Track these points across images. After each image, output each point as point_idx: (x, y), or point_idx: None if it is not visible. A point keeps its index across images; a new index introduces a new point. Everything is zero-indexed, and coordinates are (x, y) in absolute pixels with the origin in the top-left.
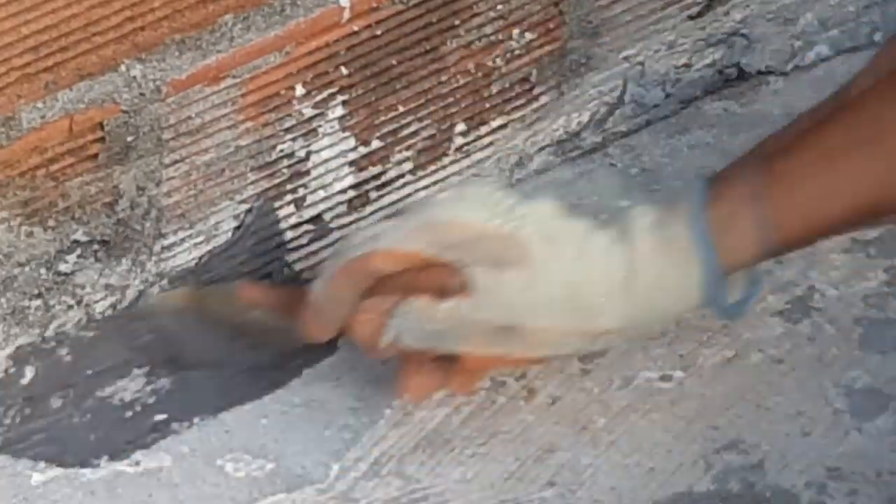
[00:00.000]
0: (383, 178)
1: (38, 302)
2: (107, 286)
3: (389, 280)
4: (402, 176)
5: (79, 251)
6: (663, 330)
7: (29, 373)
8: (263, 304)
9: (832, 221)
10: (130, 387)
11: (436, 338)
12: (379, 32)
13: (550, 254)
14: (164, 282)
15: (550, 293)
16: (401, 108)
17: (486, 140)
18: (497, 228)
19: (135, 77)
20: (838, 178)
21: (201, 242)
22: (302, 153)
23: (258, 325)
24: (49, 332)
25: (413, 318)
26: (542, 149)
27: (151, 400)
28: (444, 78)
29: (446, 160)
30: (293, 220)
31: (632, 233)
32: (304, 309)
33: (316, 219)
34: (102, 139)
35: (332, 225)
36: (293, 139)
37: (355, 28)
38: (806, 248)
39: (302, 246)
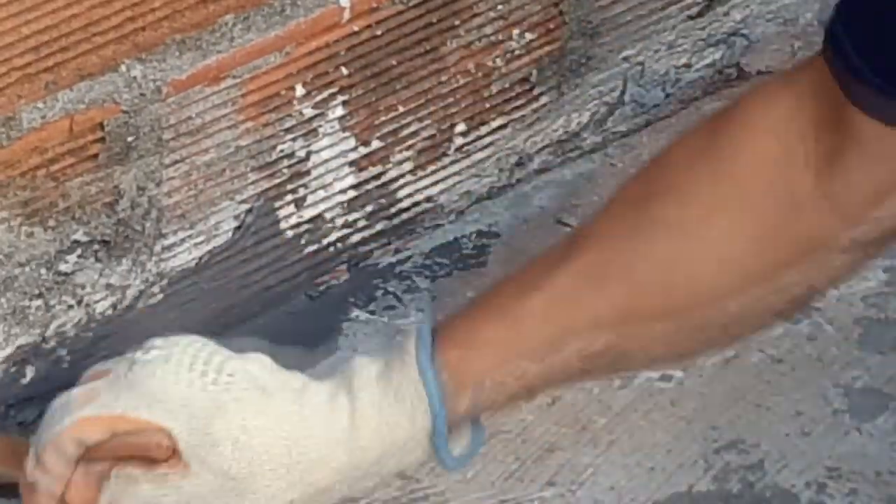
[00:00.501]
0: (383, 179)
1: (39, 302)
2: (107, 286)
3: (99, 448)
4: (402, 176)
5: (79, 251)
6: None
7: (29, 372)
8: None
9: (513, 387)
10: None
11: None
12: (379, 32)
13: (265, 410)
14: (165, 282)
15: (267, 453)
16: (401, 109)
17: (486, 140)
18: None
19: (135, 77)
20: (518, 336)
21: (202, 242)
22: (302, 153)
23: None
24: (49, 332)
25: (125, 486)
26: (542, 149)
27: None
28: (444, 78)
29: (446, 160)
30: (293, 220)
31: (355, 382)
32: (21, 489)
33: (316, 219)
34: (103, 139)
35: (333, 225)
36: (293, 139)
37: (355, 28)
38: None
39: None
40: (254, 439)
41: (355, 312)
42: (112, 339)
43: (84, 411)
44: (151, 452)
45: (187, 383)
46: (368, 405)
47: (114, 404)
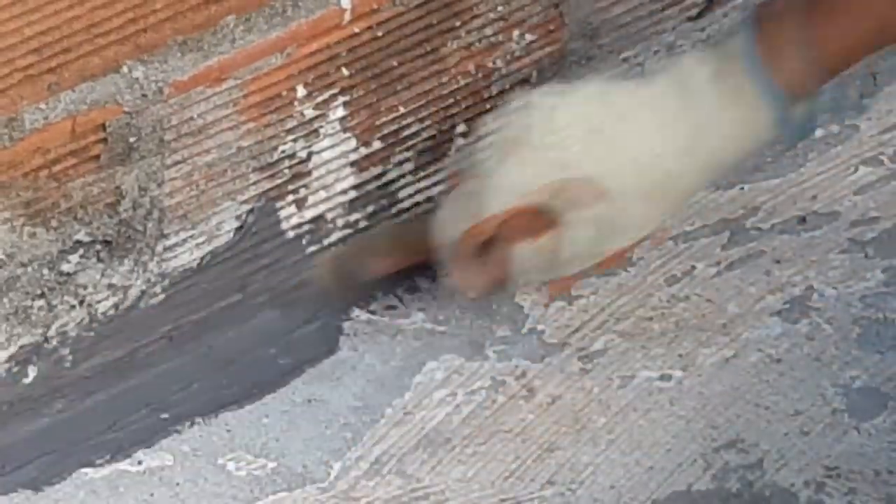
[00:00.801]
0: (384, 179)
1: (41, 302)
2: (109, 286)
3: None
4: (403, 176)
5: (81, 251)
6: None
7: (31, 372)
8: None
9: (873, 37)
10: (132, 385)
11: (554, 267)
12: (380, 34)
13: (626, 128)
14: (167, 282)
15: (634, 167)
16: (402, 109)
17: None
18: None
19: (137, 78)
20: None
21: (203, 242)
22: (303, 154)
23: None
24: (51, 332)
25: (528, 260)
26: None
27: (153, 399)
28: (444, 79)
29: (447, 161)
30: (294, 221)
31: (692, 89)
32: (448, 265)
33: (317, 219)
34: (105, 140)
35: (334, 225)
36: (294, 140)
37: (356, 29)
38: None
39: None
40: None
41: (356, 312)
42: (114, 339)
43: (505, 201)
44: (533, 228)
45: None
46: (711, 112)
47: (533, 193)
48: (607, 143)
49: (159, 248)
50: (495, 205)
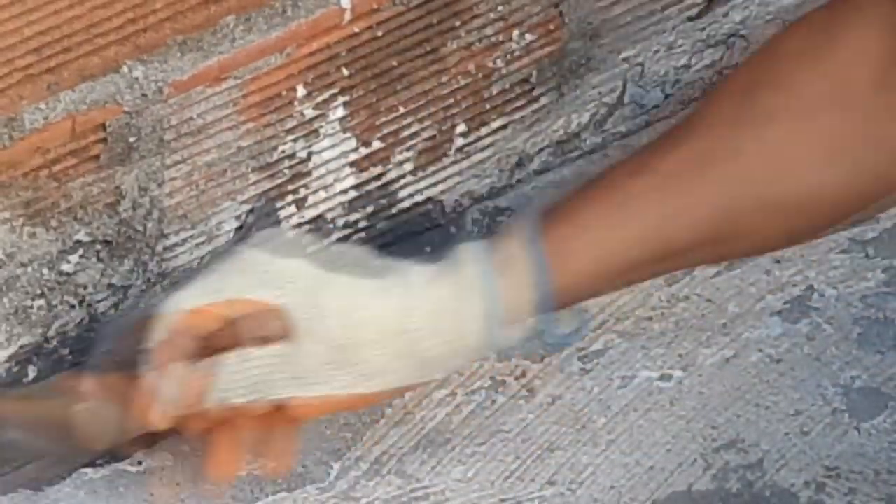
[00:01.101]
0: (384, 179)
1: (41, 302)
2: (109, 286)
3: (210, 338)
4: (402, 176)
5: (81, 251)
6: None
7: (31, 372)
8: (91, 394)
9: (618, 266)
10: None
11: (264, 387)
12: (380, 34)
13: (372, 283)
14: (167, 282)
15: (374, 322)
16: (401, 109)
17: (487, 141)
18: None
19: (137, 78)
20: (626, 215)
21: (203, 242)
22: (303, 154)
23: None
24: (51, 332)
25: (237, 368)
26: (541, 149)
27: None
28: (444, 79)
29: (447, 161)
30: (294, 221)
31: (460, 256)
32: (137, 396)
33: (317, 219)
34: (104, 140)
35: (334, 225)
36: (294, 140)
37: (356, 29)
38: (600, 296)
39: None
40: (361, 310)
41: None
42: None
43: (194, 302)
44: (266, 332)
45: (296, 263)
46: (474, 276)
47: (224, 290)
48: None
49: (159, 248)
50: (188, 302)
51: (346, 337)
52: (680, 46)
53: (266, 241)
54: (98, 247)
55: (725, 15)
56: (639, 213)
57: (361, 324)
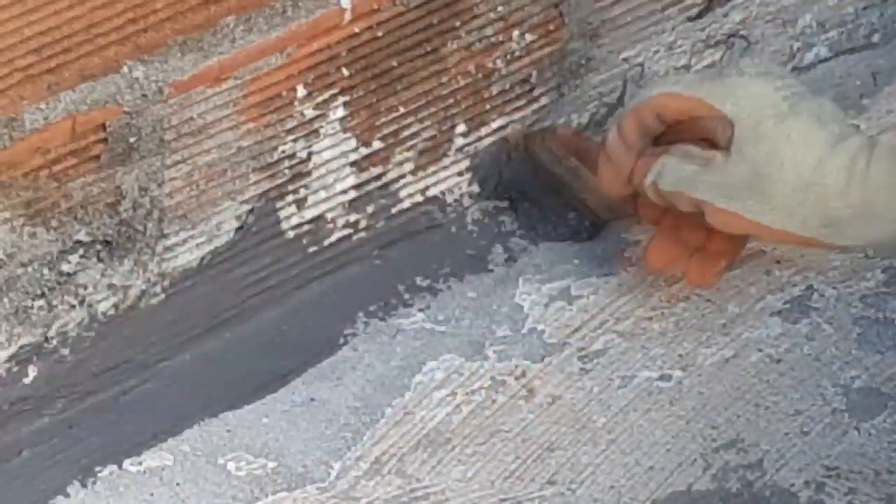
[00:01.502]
0: (384, 179)
1: (41, 302)
2: (109, 286)
3: (669, 129)
4: (402, 176)
5: (81, 251)
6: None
7: (31, 372)
8: (577, 153)
9: None
10: (132, 385)
11: (688, 182)
12: (380, 34)
13: (809, 134)
14: (167, 282)
15: (794, 166)
16: (402, 109)
17: (487, 141)
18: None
19: (137, 78)
20: None
21: (203, 242)
22: (303, 154)
23: (572, 177)
24: (52, 332)
25: (677, 161)
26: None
27: (153, 399)
28: (444, 79)
29: (447, 161)
30: (294, 221)
31: (880, 138)
32: (598, 164)
33: (317, 219)
34: (105, 140)
35: (334, 225)
36: (294, 140)
37: (356, 29)
38: None
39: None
40: (786, 149)
41: (357, 312)
42: (114, 339)
43: (668, 87)
44: (714, 137)
45: (764, 87)
46: (888, 156)
47: (697, 89)
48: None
49: (159, 248)
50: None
51: (769, 168)
52: (680, 46)
53: (752, 68)
54: (98, 247)
55: (725, 15)
56: None
57: (785, 161)
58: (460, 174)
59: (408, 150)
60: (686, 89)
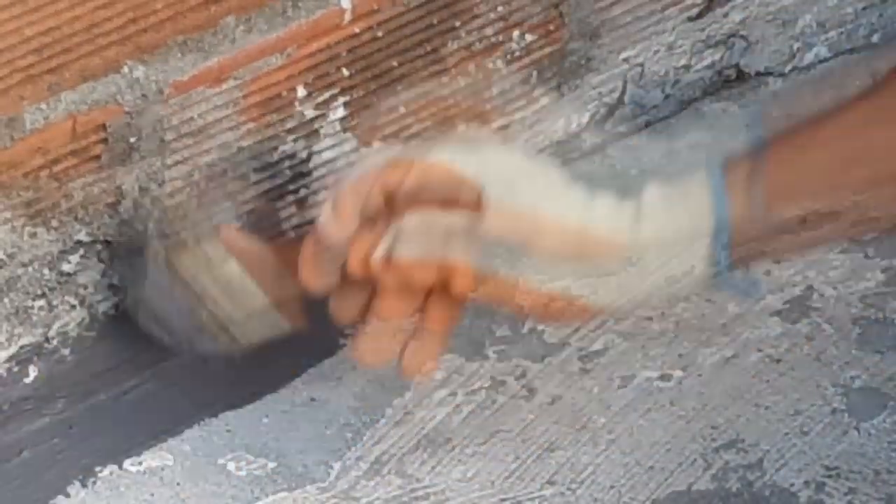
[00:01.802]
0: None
1: (42, 302)
2: (110, 286)
3: (393, 202)
4: None
5: (82, 251)
6: (661, 306)
7: (32, 372)
8: (246, 254)
9: (823, 197)
10: (133, 385)
11: (439, 248)
12: (380, 34)
13: (564, 189)
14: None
15: (559, 219)
16: (401, 109)
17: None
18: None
19: (137, 78)
20: (834, 151)
21: None
22: (303, 154)
23: (232, 282)
24: (52, 332)
25: (419, 226)
26: (542, 150)
27: (153, 399)
28: (444, 79)
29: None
30: (295, 221)
31: (643, 184)
32: (303, 250)
33: (317, 219)
34: (105, 140)
35: None
36: (295, 140)
37: (356, 30)
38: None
39: None
40: (549, 205)
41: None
42: (114, 339)
43: (394, 156)
44: (456, 198)
45: (503, 149)
46: (657, 198)
47: (426, 154)
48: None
49: None
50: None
51: (529, 224)
52: (680, 46)
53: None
54: (99, 247)
55: (725, 15)
56: (821, 158)
57: (547, 216)
58: None
59: None
60: (415, 156)
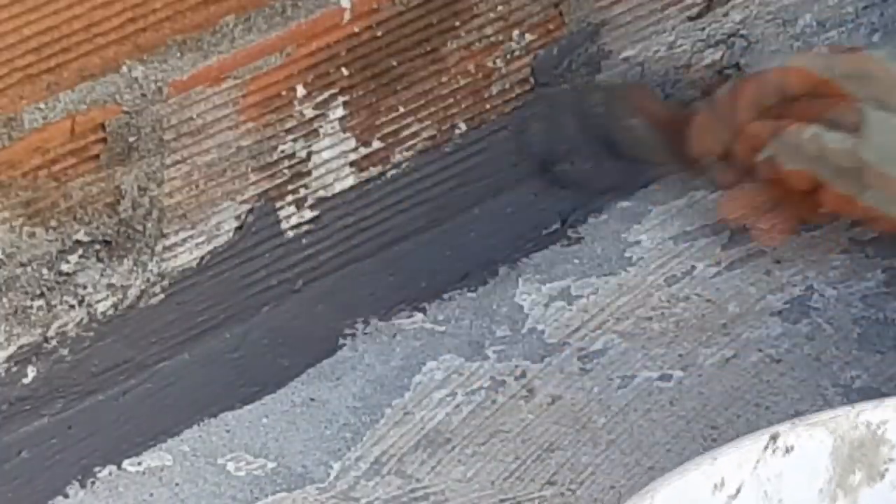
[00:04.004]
0: (384, 179)
1: (40, 302)
2: (109, 286)
3: (786, 105)
4: (402, 176)
5: (81, 251)
6: None
7: (31, 372)
8: (649, 114)
9: None
10: (132, 385)
11: (813, 163)
12: (379, 33)
13: None
14: (166, 282)
15: None
16: (401, 109)
17: (487, 141)
18: None
19: (136, 78)
20: None
21: (203, 242)
22: (303, 153)
23: (635, 134)
24: (51, 332)
25: (800, 138)
26: None
27: (153, 399)
28: (444, 79)
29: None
30: (294, 221)
31: None
32: (692, 123)
33: (317, 219)
34: (104, 140)
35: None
36: (294, 140)
37: (356, 29)
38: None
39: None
40: None
41: (357, 312)
42: (114, 339)
43: (798, 61)
44: (838, 118)
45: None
46: None
47: (812, 61)
48: None
49: (159, 247)
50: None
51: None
52: (680, 46)
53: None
54: (98, 247)
55: (725, 15)
56: None
57: None
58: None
59: (408, 150)
60: (813, 64)
